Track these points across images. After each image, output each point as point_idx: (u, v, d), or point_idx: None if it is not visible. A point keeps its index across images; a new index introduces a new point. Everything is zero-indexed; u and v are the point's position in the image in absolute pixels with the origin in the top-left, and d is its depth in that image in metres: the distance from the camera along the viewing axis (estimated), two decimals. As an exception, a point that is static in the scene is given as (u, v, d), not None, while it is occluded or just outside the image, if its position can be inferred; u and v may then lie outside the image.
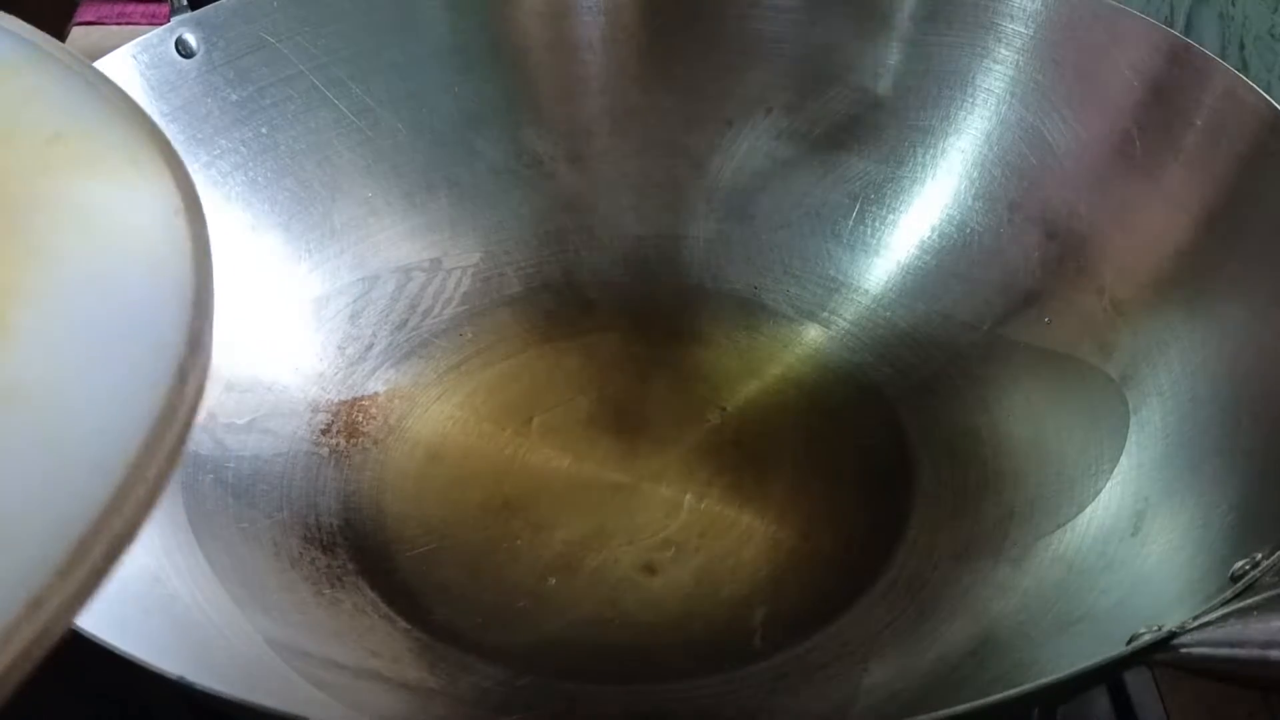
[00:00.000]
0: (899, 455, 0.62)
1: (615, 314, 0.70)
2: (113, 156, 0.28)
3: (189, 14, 0.64)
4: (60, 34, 0.94)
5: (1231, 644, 0.35)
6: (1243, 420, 0.50)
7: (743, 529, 0.59)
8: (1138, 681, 0.54)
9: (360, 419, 0.63)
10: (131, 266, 0.26)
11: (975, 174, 0.67)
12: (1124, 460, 0.54)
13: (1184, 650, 0.36)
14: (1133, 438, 0.55)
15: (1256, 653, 0.33)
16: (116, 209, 0.27)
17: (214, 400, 0.60)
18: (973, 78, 0.67)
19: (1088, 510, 0.54)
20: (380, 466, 0.61)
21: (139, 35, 0.61)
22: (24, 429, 0.22)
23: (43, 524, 0.21)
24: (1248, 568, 0.40)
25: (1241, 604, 0.37)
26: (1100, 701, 0.54)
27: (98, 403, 0.23)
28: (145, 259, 0.26)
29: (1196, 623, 0.36)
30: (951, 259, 0.67)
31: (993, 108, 0.66)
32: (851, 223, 0.70)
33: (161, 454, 0.22)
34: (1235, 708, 0.54)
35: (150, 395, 0.23)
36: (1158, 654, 0.37)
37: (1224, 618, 0.36)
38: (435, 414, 0.64)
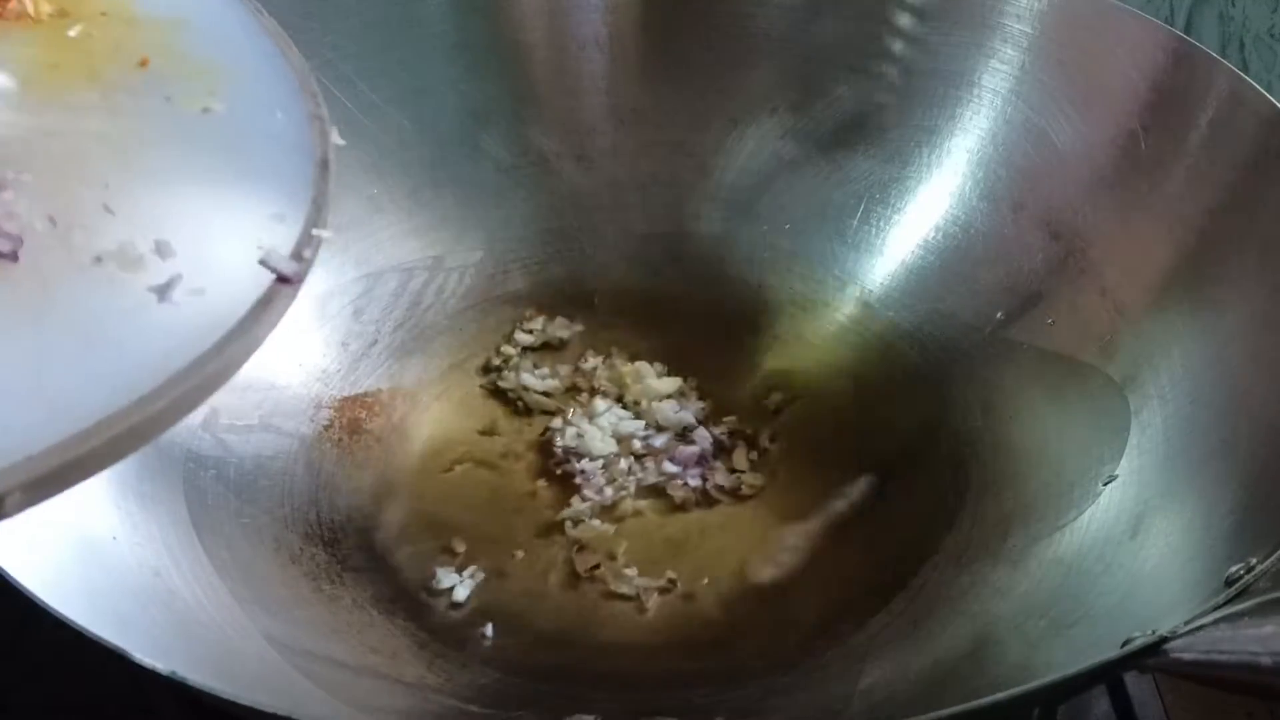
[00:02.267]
0: (900, 455, 0.62)
1: (619, 311, 0.70)
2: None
3: (195, 11, 0.64)
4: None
5: (1221, 649, 0.34)
6: (1242, 424, 0.50)
7: (743, 528, 0.59)
8: (1137, 681, 0.54)
9: (363, 415, 0.64)
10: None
11: (980, 174, 0.67)
12: (1124, 463, 0.54)
13: (1174, 655, 0.36)
14: (1133, 440, 0.55)
15: (1246, 658, 0.33)
16: None
17: (217, 398, 0.60)
18: (978, 77, 0.67)
19: (1087, 513, 0.54)
20: (382, 463, 0.62)
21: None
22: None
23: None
24: (1242, 572, 0.40)
25: (1234, 609, 0.37)
26: (1100, 701, 0.54)
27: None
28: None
29: (1188, 627, 0.36)
30: (955, 259, 0.67)
31: (998, 108, 0.66)
32: (856, 222, 0.70)
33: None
34: (1234, 707, 0.53)
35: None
36: (1149, 658, 0.36)
37: (1216, 622, 0.36)
38: (437, 411, 0.65)
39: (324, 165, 0.34)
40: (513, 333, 0.68)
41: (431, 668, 0.52)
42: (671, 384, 0.65)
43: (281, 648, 0.50)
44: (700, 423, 0.63)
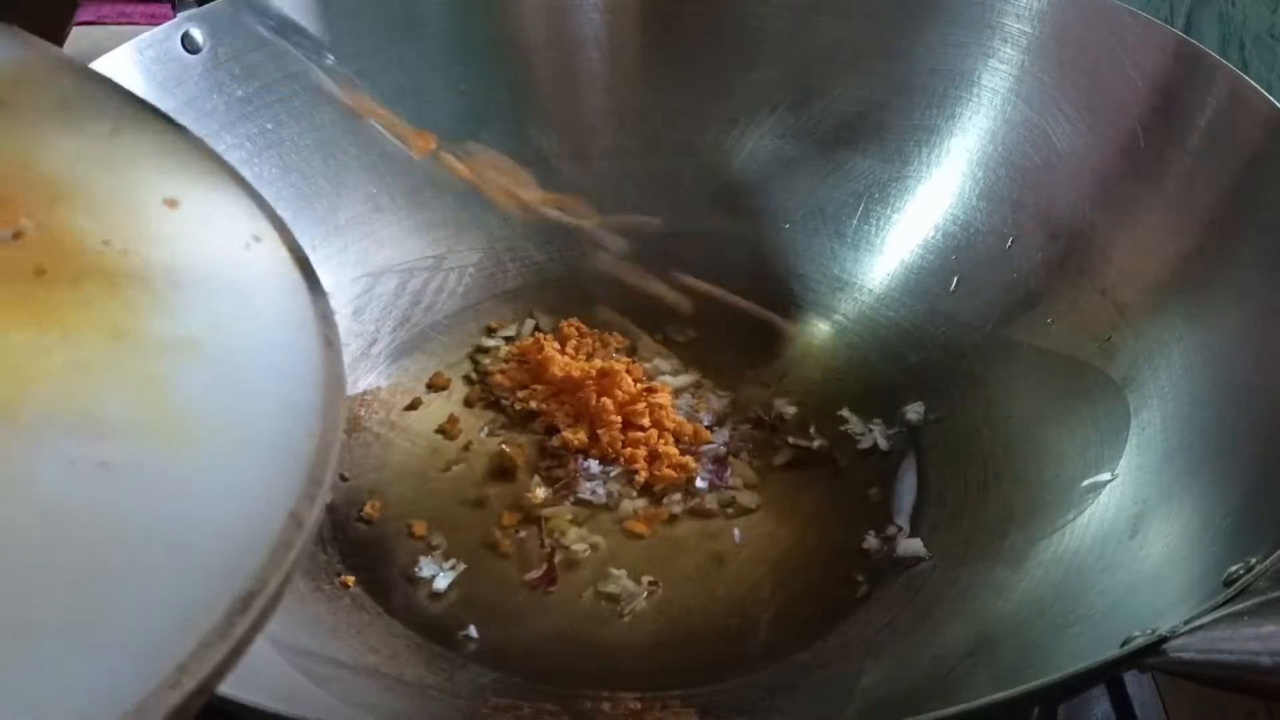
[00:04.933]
0: (900, 455, 0.62)
1: (619, 311, 0.70)
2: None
3: (195, 9, 0.64)
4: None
5: (1220, 649, 0.34)
6: (1241, 424, 0.50)
7: (743, 529, 0.59)
8: (1137, 681, 0.54)
9: (362, 414, 0.64)
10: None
11: (979, 174, 0.67)
12: (1124, 462, 0.54)
13: (1174, 655, 0.36)
14: (1133, 440, 0.55)
15: (1245, 658, 0.33)
16: None
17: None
18: (978, 77, 0.67)
19: (1087, 512, 0.54)
20: (381, 462, 0.62)
21: (139, 35, 0.61)
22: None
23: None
24: (1241, 572, 0.40)
25: (1233, 608, 0.37)
26: (1100, 701, 0.54)
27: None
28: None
29: (1187, 627, 0.36)
30: (955, 259, 0.67)
31: (997, 107, 0.66)
32: (856, 221, 0.70)
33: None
34: (1234, 706, 0.53)
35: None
36: (1148, 658, 0.36)
37: (1215, 622, 0.36)
38: (437, 409, 0.65)
39: (285, 548, 0.24)
40: (491, 337, 0.69)
41: (430, 667, 0.52)
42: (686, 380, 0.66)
43: (281, 648, 0.50)
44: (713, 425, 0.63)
